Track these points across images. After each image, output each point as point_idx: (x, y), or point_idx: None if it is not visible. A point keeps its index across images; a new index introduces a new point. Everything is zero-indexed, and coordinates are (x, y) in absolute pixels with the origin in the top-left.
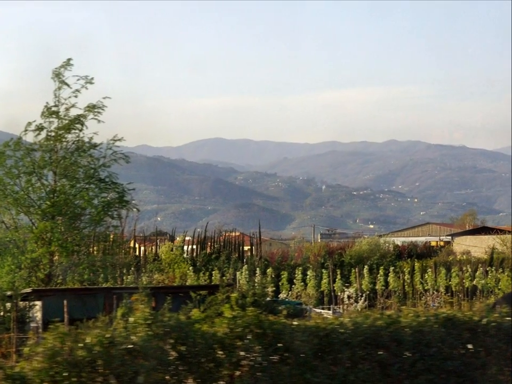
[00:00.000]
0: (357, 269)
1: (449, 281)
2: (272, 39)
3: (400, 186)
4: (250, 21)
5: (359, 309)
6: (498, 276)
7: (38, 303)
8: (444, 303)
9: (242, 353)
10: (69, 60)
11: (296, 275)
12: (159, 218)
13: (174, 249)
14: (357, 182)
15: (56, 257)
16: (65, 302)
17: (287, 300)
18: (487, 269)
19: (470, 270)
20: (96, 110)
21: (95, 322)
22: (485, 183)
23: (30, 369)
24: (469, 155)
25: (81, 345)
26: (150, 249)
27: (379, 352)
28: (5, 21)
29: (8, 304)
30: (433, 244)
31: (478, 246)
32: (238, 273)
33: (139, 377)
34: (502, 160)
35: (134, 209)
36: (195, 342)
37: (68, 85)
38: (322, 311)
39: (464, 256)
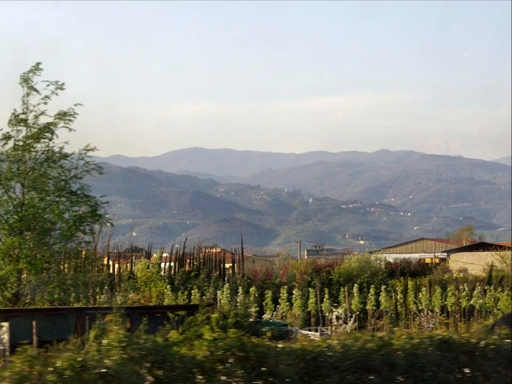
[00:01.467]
0: (346, 287)
1: (445, 300)
2: (255, 41)
3: (392, 199)
4: (232, 23)
5: (349, 331)
6: (497, 295)
7: (5, 324)
8: (439, 324)
9: (223, 377)
10: (38, 64)
11: (281, 294)
12: (134, 234)
13: (150, 267)
14: (346, 195)
15: (25, 275)
16: (34, 323)
17: (271, 320)
18: (485, 287)
19: (467, 288)
20: (67, 118)
21: (66, 344)
22: (483, 195)
23: None
24: (466, 166)
25: (51, 369)
26: (124, 266)
27: (370, 377)
28: None
29: None
30: (427, 261)
31: (475, 263)
32: (219, 292)
33: None
34: (501, 171)
35: (108, 224)
36: (173, 366)
37: (37, 91)
38: (309, 332)
39: (461, 274)
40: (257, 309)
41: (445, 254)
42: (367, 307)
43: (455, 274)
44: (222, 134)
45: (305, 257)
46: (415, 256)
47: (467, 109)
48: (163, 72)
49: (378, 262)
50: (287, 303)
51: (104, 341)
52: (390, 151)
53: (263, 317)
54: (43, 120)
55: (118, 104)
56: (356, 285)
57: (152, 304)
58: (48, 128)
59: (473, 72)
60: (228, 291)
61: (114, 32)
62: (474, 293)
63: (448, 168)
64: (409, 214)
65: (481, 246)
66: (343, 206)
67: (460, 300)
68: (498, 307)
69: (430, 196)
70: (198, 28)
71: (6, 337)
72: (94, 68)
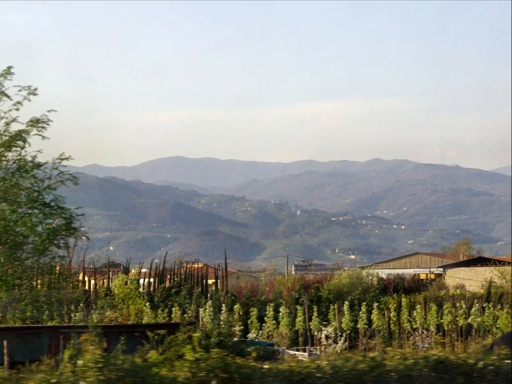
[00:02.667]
0: (336, 305)
1: (441, 319)
2: (239, 44)
3: (385, 212)
4: (214, 24)
5: (339, 351)
6: (497, 313)
7: None
8: (435, 344)
9: None
10: (9, 67)
11: (267, 312)
12: (111, 248)
13: (128, 283)
14: (336, 207)
15: None
16: (5, 342)
17: (257, 340)
18: (484, 305)
19: (464, 306)
20: (40, 125)
21: (39, 365)
22: (481, 207)
23: None
24: (463, 176)
25: None
26: (101, 282)
27: None
28: None
29: None
30: (422, 276)
31: (473, 279)
32: (201, 310)
33: None
34: (501, 181)
35: (83, 238)
36: None
37: (8, 96)
38: (296, 352)
39: (458, 291)
40: (242, 327)
41: (441, 269)
42: (358, 325)
43: (451, 291)
44: (205, 142)
45: (293, 272)
46: (409, 271)
47: (464, 116)
48: (142, 77)
49: (370, 277)
50: (274, 321)
51: (80, 362)
52: (382, 160)
53: (248, 336)
54: (14, 127)
55: (94, 110)
56: (346, 302)
57: (130, 323)
58: (20, 136)
59: (471, 77)
60: (211, 309)
61: (90, 34)
62: (472, 310)
63: (444, 178)
64: (403, 227)
65: (480, 261)
66: (333, 219)
67: (457, 318)
68: (497, 326)
69: (425, 207)
70: (179, 29)
71: None
72: (69, 72)
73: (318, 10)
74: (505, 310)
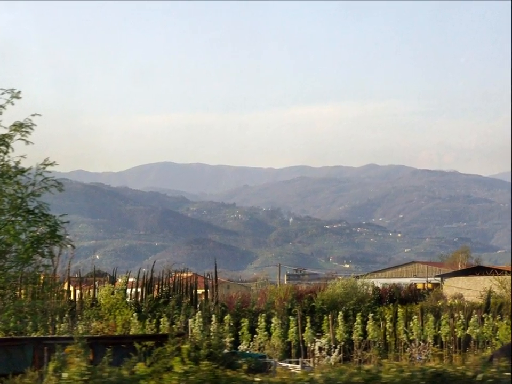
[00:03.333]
0: (330, 315)
1: (438, 330)
2: (230, 45)
3: (380, 219)
4: (204, 25)
5: (333, 363)
6: (496, 323)
7: None
8: (432, 356)
9: None
10: None
11: (258, 323)
12: (97, 256)
13: (115, 293)
14: (330, 214)
15: None
16: None
17: (248, 352)
18: (483, 315)
19: (462, 317)
20: (23, 129)
21: (23, 378)
22: (480, 215)
23: None
24: (462, 182)
25: None
26: (87, 292)
27: None
28: None
29: None
30: (419, 286)
31: (472, 289)
32: (190, 320)
33: None
34: (500, 188)
35: (69, 246)
36: None
37: None
38: (289, 365)
39: (456, 301)
40: (233, 339)
41: (439, 278)
42: (353, 337)
43: (449, 301)
44: (194, 147)
45: (285, 282)
46: (405, 281)
47: (463, 120)
48: (129, 79)
49: (365, 287)
50: (265, 332)
51: (65, 374)
52: (378, 166)
53: (238, 347)
54: None
55: (79, 114)
56: (340, 313)
57: (117, 334)
58: (2, 141)
59: (470, 80)
60: (200, 319)
61: (75, 35)
62: (471, 321)
63: (441, 184)
64: (399, 234)
65: (478, 270)
66: (327, 226)
67: (455, 329)
68: (497, 337)
69: (422, 215)
70: (167, 30)
71: None
72: (53, 75)
73: (311, 10)
74: (504, 321)
